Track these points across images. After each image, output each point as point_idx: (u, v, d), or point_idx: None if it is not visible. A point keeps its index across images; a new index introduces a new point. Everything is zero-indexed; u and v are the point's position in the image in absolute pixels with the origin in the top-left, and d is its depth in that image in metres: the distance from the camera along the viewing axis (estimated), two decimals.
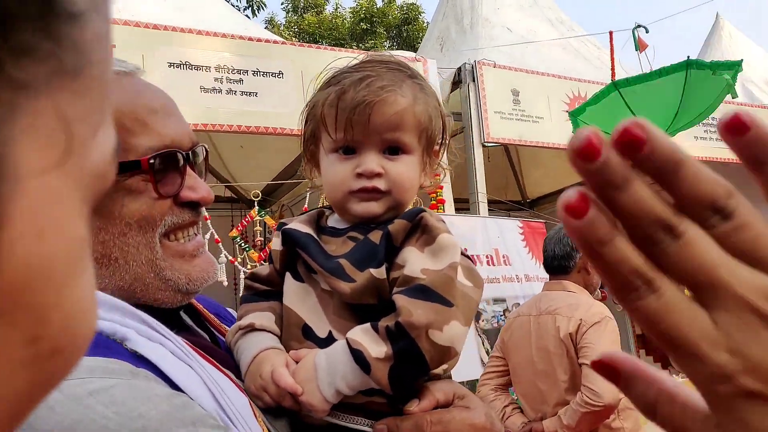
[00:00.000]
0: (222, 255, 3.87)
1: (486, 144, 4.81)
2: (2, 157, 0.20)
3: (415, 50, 9.19)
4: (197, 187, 0.87)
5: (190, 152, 0.87)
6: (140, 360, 0.72)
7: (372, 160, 0.90)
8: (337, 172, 0.92)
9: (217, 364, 0.81)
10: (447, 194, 4.48)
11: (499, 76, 4.82)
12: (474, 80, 4.74)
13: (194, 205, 0.87)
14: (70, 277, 0.24)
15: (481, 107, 4.68)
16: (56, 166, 0.22)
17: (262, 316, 0.91)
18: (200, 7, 4.18)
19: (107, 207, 0.79)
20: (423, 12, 19.43)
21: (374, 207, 0.90)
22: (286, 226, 0.94)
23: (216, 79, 3.56)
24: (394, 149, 0.92)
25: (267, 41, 3.86)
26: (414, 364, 0.81)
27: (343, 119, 0.90)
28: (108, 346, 0.72)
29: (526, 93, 4.88)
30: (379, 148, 0.91)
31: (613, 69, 3.92)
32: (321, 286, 0.88)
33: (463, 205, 4.90)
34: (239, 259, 4.28)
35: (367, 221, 0.91)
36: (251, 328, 0.89)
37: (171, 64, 3.46)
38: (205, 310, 0.99)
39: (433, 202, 4.38)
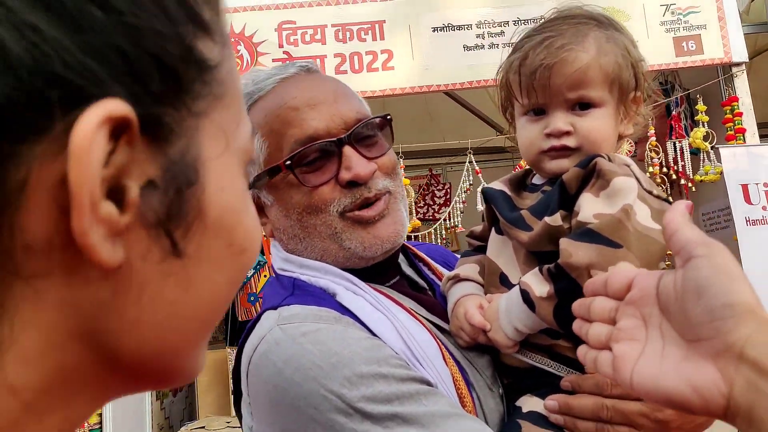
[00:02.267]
0: None
1: None
2: (198, 152, 0.36)
3: None
4: (352, 166, 0.94)
5: (347, 135, 0.95)
6: (345, 310, 0.91)
7: (559, 119, 0.94)
8: (528, 133, 0.98)
9: (413, 311, 0.96)
10: (748, 121, 3.87)
11: None
12: None
13: (356, 183, 0.95)
14: (242, 211, 0.40)
15: None
16: (224, 151, 0.38)
17: (468, 268, 1.03)
18: None
19: (284, 199, 0.99)
20: None
21: (565, 163, 0.94)
22: (486, 186, 1.04)
23: (478, 36, 3.67)
24: (583, 105, 0.94)
25: None
26: None
27: (526, 85, 0.95)
28: (324, 297, 0.93)
29: None
30: (567, 106, 0.94)
31: None
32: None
33: None
34: None
35: (557, 178, 0.94)
36: (457, 279, 1.03)
37: (435, 29, 3.68)
38: (428, 259, 1.15)
39: (730, 132, 3.84)
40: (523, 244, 0.93)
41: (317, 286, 0.96)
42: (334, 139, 0.95)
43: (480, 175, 3.86)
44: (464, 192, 3.98)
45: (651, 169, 4.01)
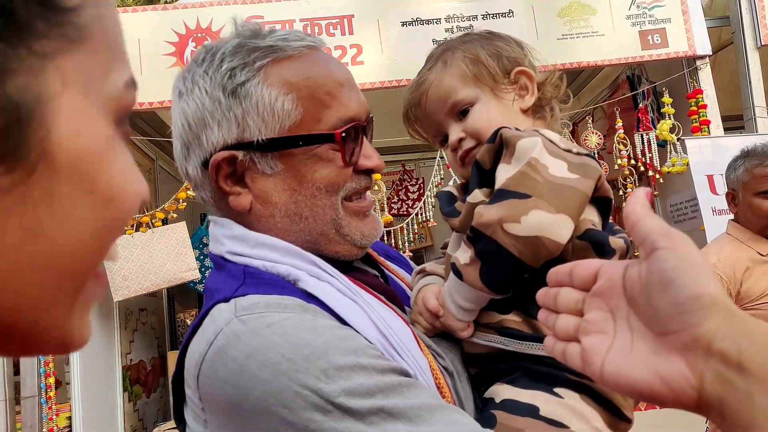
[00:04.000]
0: None
1: None
2: (40, 93, 0.34)
3: None
4: (372, 156, 0.95)
5: (365, 124, 0.95)
6: (310, 297, 0.82)
7: (452, 133, 1.02)
8: (449, 160, 1.06)
9: (382, 297, 0.93)
10: (713, 113, 3.94)
11: None
12: None
13: (368, 172, 0.95)
14: (106, 159, 0.38)
15: (755, 5, 3.94)
16: (82, 96, 0.36)
17: (433, 263, 1.05)
18: None
19: (301, 172, 0.90)
20: None
21: (479, 157, 0.96)
22: (438, 190, 1.07)
23: (447, 30, 3.67)
24: (463, 111, 1.01)
25: None
26: (500, 260, 0.83)
27: (418, 125, 1.07)
28: (283, 285, 0.84)
29: None
30: (454, 119, 1.02)
31: None
32: None
33: (737, 124, 4.24)
34: None
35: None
36: (423, 272, 1.03)
37: (403, 23, 3.67)
38: (373, 252, 1.12)
39: (695, 124, 3.91)
40: (456, 230, 0.95)
41: (274, 272, 0.87)
42: (363, 124, 0.94)
43: (450, 169, 3.87)
44: (435, 186, 3.99)
45: (619, 161, 4.06)
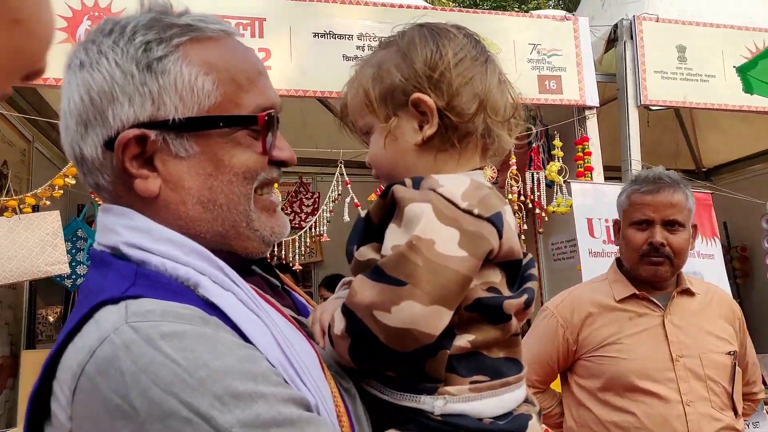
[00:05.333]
0: None
1: (651, 108, 4.43)
2: None
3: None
4: (284, 147, 0.91)
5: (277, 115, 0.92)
6: (211, 307, 0.75)
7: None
8: None
9: (286, 312, 0.87)
10: (596, 161, 4.24)
11: (661, 32, 4.37)
12: (632, 37, 4.36)
13: (280, 165, 0.91)
14: None
15: (638, 67, 4.30)
16: None
17: None
18: None
19: (218, 156, 0.84)
20: None
21: (382, 189, 0.92)
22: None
23: (358, 47, 3.68)
24: (367, 133, 0.97)
25: (409, 7, 3.90)
26: (369, 344, 0.78)
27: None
28: (181, 291, 0.76)
29: (695, 49, 4.38)
30: (364, 137, 0.98)
31: None
32: None
33: (615, 174, 4.59)
34: None
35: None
36: (345, 284, 0.97)
37: (315, 34, 3.64)
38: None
39: (580, 169, 4.18)
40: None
41: (173, 275, 0.78)
42: (277, 115, 0.91)
43: (349, 186, 3.86)
44: (332, 201, 3.96)
45: (510, 196, 4.25)
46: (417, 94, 0.88)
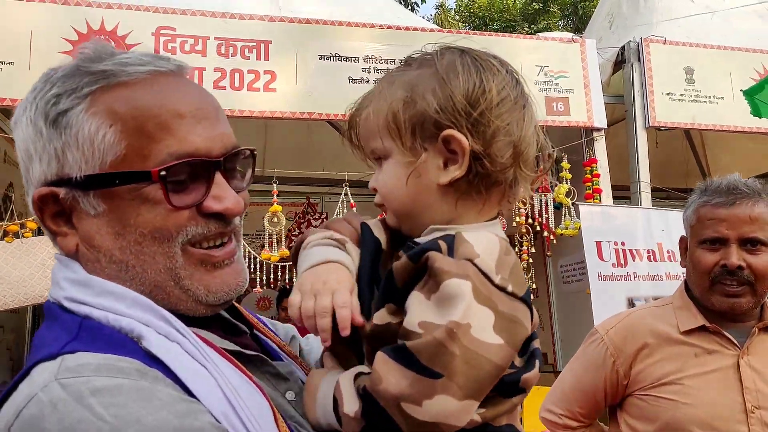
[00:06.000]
0: None
1: (660, 128, 4.39)
2: None
3: None
4: (223, 197, 0.82)
5: (222, 159, 0.83)
6: (153, 360, 0.71)
7: (373, 177, 0.87)
8: None
9: (238, 364, 0.80)
10: (605, 182, 4.19)
11: (669, 54, 4.35)
12: (639, 59, 4.34)
13: (220, 216, 0.82)
14: None
15: (646, 89, 4.27)
16: None
17: (355, 249, 0.86)
18: (357, 0, 4.33)
19: (124, 214, 0.79)
20: None
21: (389, 218, 0.86)
22: (368, 222, 0.89)
23: (364, 70, 3.67)
24: (377, 158, 0.86)
25: (416, 29, 3.89)
26: (388, 431, 0.71)
27: (351, 146, 0.90)
28: (123, 343, 0.73)
29: (703, 70, 4.35)
30: (373, 159, 0.88)
31: None
32: None
33: (623, 194, 4.53)
34: None
35: (406, 236, 0.85)
36: (342, 245, 0.85)
37: (321, 57, 3.64)
38: (245, 312, 0.99)
39: (589, 191, 4.13)
40: (360, 330, 0.78)
41: (116, 326, 0.75)
42: (213, 160, 0.81)
43: (354, 208, 3.83)
44: None
45: (518, 218, 4.19)
46: (451, 132, 0.79)
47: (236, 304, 0.96)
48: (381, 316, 0.76)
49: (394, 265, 0.77)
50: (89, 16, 3.37)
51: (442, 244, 0.75)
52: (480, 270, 0.73)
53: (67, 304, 0.79)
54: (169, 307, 0.80)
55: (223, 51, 3.50)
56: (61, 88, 0.80)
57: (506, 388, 0.77)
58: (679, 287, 1.87)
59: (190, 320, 0.81)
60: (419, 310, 0.72)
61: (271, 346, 0.96)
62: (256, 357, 0.86)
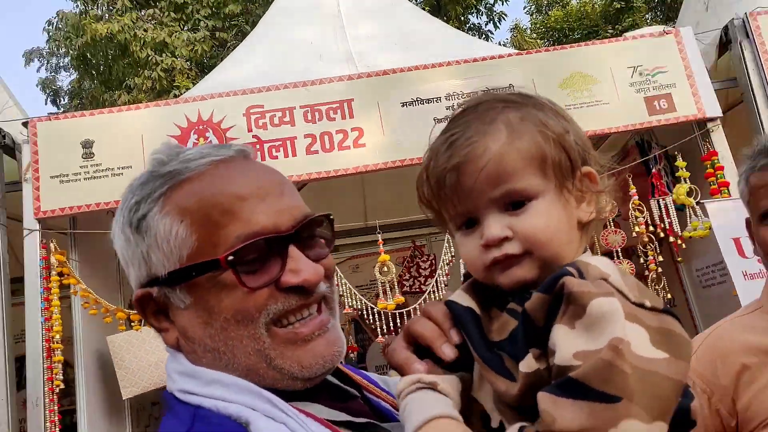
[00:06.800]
0: None
1: None
2: None
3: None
4: (300, 269, 0.82)
5: (294, 232, 0.83)
6: None
7: (492, 225, 0.78)
8: (466, 250, 0.82)
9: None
10: (730, 175, 3.80)
11: None
12: (748, 36, 3.97)
13: (300, 290, 0.82)
14: None
15: (762, 65, 3.88)
16: None
17: (449, 381, 0.80)
18: (426, 40, 4.34)
19: (209, 303, 0.82)
20: None
21: (520, 273, 0.77)
22: (450, 298, 0.84)
23: (447, 108, 3.64)
24: (515, 203, 0.78)
25: (492, 57, 3.82)
26: None
27: (440, 195, 0.81)
28: (233, 429, 0.76)
29: None
30: (498, 207, 0.79)
31: None
32: None
33: None
34: None
35: (524, 289, 0.77)
36: (433, 387, 0.79)
37: (404, 104, 3.65)
38: (354, 374, 0.98)
39: (714, 186, 3.77)
40: (503, 396, 0.74)
41: (225, 413, 0.78)
42: (283, 235, 0.83)
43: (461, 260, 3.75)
44: (447, 264, 3.85)
45: (637, 228, 3.91)
46: (590, 168, 0.82)
47: (342, 367, 0.95)
48: (528, 365, 0.71)
49: (526, 305, 0.72)
50: (187, 110, 3.63)
51: (574, 270, 0.71)
52: (616, 288, 0.70)
53: (179, 395, 0.83)
54: (268, 387, 0.81)
55: (309, 117, 3.62)
56: (139, 195, 0.86)
57: (675, 420, 0.68)
58: (765, 285, 1.48)
59: (295, 394, 0.82)
60: (568, 342, 0.67)
61: (384, 407, 0.95)
62: (366, 424, 0.85)
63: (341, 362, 0.92)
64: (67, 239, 3.68)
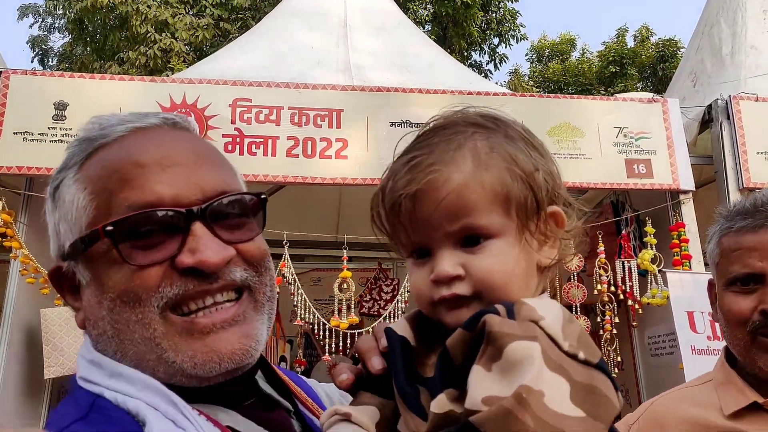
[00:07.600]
0: None
1: (755, 190, 4.08)
2: None
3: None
4: (198, 249, 0.72)
5: (201, 207, 0.74)
6: None
7: (444, 261, 0.72)
8: (415, 280, 0.77)
9: None
10: (694, 248, 3.89)
11: (763, 111, 4.08)
12: (729, 117, 4.09)
13: (198, 271, 0.73)
14: None
15: (737, 148, 4.00)
16: None
17: (365, 412, 0.76)
18: (425, 65, 4.38)
19: (101, 279, 0.73)
20: (682, 47, 17.76)
21: (466, 315, 0.71)
22: (390, 325, 0.80)
23: None
24: (472, 238, 0.72)
25: (487, 93, 3.86)
26: None
27: (393, 221, 0.75)
28: (127, 426, 0.69)
29: None
30: (453, 241, 0.73)
31: None
32: None
33: None
34: None
35: (439, 328, 0.74)
36: (347, 418, 0.75)
37: (393, 123, 3.66)
38: (289, 380, 0.92)
39: (677, 257, 3.84)
40: None
41: (124, 407, 0.70)
42: (183, 210, 0.73)
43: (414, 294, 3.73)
44: (407, 291, 3.83)
45: (599, 286, 3.95)
46: (557, 209, 0.76)
47: (282, 375, 0.89)
48: (440, 404, 0.66)
49: (448, 341, 0.68)
50: (173, 91, 3.57)
51: (500, 308, 0.67)
52: (547, 333, 0.65)
53: (81, 383, 0.75)
54: (169, 384, 0.73)
55: (296, 120, 3.60)
56: (61, 164, 0.80)
57: None
58: (719, 357, 1.41)
59: (208, 395, 0.74)
60: (481, 384, 0.62)
61: (313, 421, 0.87)
62: None
63: (278, 368, 0.87)
64: (19, 200, 3.51)
